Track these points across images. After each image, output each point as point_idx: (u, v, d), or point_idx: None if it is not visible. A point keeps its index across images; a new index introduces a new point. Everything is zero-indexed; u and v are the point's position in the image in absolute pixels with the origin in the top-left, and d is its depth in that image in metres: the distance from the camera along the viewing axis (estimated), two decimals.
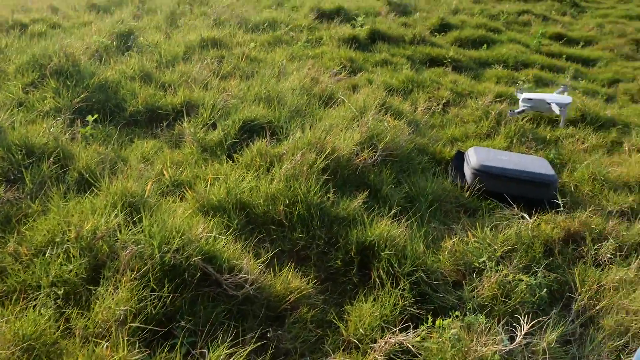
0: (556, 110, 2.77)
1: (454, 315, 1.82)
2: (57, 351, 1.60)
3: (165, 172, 2.62)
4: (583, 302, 2.10)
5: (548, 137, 3.72)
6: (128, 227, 1.99)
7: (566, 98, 2.84)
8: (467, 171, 2.98)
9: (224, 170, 2.66)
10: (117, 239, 1.92)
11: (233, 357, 1.60)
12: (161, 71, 4.14)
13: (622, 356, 1.89)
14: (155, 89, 3.71)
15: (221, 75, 4.21)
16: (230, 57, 4.69)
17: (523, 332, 1.72)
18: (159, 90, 3.70)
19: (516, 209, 2.68)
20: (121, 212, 2.07)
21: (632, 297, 2.08)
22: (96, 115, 3.11)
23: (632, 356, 1.87)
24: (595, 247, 2.40)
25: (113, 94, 3.56)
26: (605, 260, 2.35)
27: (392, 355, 1.71)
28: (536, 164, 2.95)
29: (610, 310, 2.05)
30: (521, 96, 2.92)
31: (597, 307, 2.07)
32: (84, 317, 1.71)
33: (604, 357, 1.87)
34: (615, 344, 1.92)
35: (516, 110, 3.00)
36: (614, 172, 3.19)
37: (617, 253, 2.38)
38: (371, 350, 1.73)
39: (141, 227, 1.97)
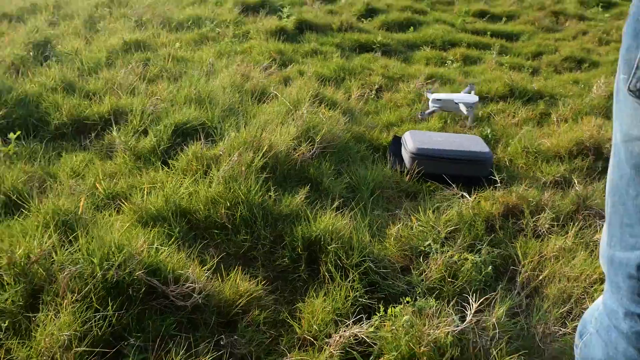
0: (464, 110, 2.84)
1: (405, 302, 1.83)
2: None
3: (98, 186, 2.52)
4: (527, 273, 2.16)
5: (480, 114, 3.81)
6: (64, 247, 1.91)
7: (473, 97, 2.92)
8: (405, 156, 3.01)
9: (160, 178, 2.59)
10: (54, 261, 1.84)
11: None
12: (84, 80, 3.99)
13: (567, 322, 1.96)
14: (80, 99, 3.57)
15: (148, 78, 4.09)
16: (156, 59, 4.57)
17: (473, 311, 1.75)
18: (83, 100, 3.56)
19: (456, 188, 2.74)
20: (55, 232, 1.98)
21: (572, 264, 2.16)
22: (18, 132, 2.96)
23: (578, 321, 1.94)
24: (533, 219, 2.47)
25: (34, 107, 3.40)
26: (544, 231, 2.42)
27: (347, 348, 1.70)
28: (471, 142, 3.01)
29: (552, 279, 2.12)
30: (430, 97, 2.98)
31: (540, 277, 2.13)
32: (26, 347, 1.63)
33: (550, 325, 1.93)
34: (560, 311, 1.99)
35: (426, 112, 3.06)
36: (545, 144, 3.30)
37: (555, 223, 2.46)
38: (327, 346, 1.72)
39: (78, 246, 1.89)
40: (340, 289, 1.94)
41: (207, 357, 1.65)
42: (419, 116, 3.12)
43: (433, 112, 2.98)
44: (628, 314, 1.08)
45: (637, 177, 1.02)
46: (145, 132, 3.10)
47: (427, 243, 2.22)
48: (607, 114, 3.94)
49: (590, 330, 1.23)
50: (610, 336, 1.14)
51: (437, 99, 2.91)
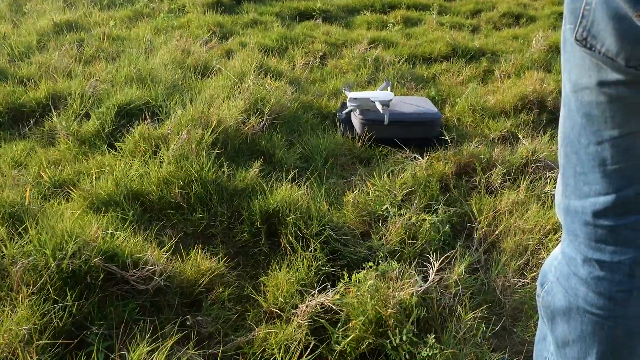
0: (380, 108, 2.86)
1: (368, 267, 1.85)
2: None
3: (42, 174, 2.43)
4: (483, 229, 2.21)
5: (425, 75, 3.84)
6: (13, 240, 1.83)
7: (388, 94, 2.94)
8: (356, 122, 3.01)
9: (108, 161, 2.51)
10: (4, 255, 1.76)
11: (156, 353, 1.53)
12: (15, 65, 3.81)
13: (525, 273, 2.02)
14: (14, 86, 3.41)
15: (84, 60, 3.94)
16: (91, 40, 4.41)
17: (434, 270, 1.78)
18: (17, 87, 3.40)
19: (408, 151, 2.76)
20: (2, 226, 1.90)
21: (526, 217, 2.22)
22: None
23: (535, 272, 2.01)
24: (485, 176, 2.53)
25: None
26: (496, 187, 2.48)
27: (315, 317, 1.71)
28: (419, 103, 3.04)
29: (508, 233, 2.17)
30: (348, 95, 2.99)
31: (496, 232, 2.19)
32: None
33: (509, 277, 1.99)
34: (517, 263, 2.04)
35: (344, 111, 3.05)
36: (490, 101, 3.36)
37: (506, 178, 2.52)
38: (294, 317, 1.72)
39: (28, 238, 1.82)
40: (303, 260, 1.94)
41: (174, 338, 1.62)
42: (338, 115, 3.11)
43: (351, 110, 2.99)
44: (586, 260, 1.11)
45: (588, 126, 1.04)
46: (87, 116, 2.99)
47: (384, 207, 2.24)
48: (548, 68, 4.04)
49: (550, 278, 1.26)
50: (570, 283, 1.17)
51: (354, 98, 2.92)
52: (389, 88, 3.14)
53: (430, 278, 1.76)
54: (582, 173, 1.08)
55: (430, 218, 2.14)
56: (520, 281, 1.99)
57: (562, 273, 1.20)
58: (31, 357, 1.45)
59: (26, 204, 2.07)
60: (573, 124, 1.08)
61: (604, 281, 1.09)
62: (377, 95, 2.93)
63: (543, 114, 3.29)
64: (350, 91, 3.12)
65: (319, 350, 1.62)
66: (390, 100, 2.90)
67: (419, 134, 2.91)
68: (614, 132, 1.01)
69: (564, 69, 1.08)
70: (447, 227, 2.14)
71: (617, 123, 1.00)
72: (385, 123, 2.84)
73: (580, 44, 0.98)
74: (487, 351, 1.69)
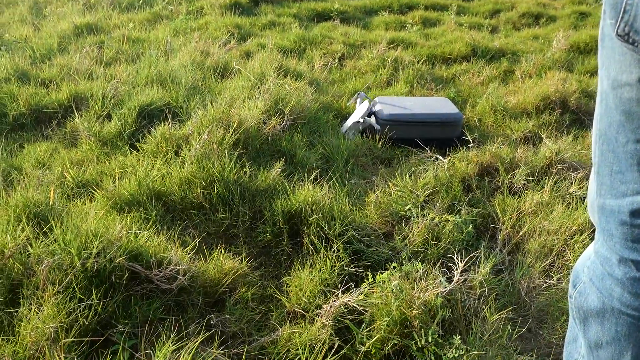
0: (374, 124, 2.87)
1: (392, 267, 1.84)
2: None
3: (66, 174, 2.45)
4: (507, 230, 2.19)
5: (445, 76, 3.82)
6: (39, 239, 1.84)
7: (364, 106, 2.95)
8: (376, 123, 3.00)
9: (130, 162, 2.52)
10: (30, 254, 1.78)
11: (181, 352, 1.53)
12: (38, 67, 3.85)
13: (551, 274, 2.00)
14: (36, 88, 3.44)
15: (105, 62, 3.97)
16: (111, 42, 4.44)
17: (459, 271, 1.76)
18: (40, 89, 3.44)
19: (429, 151, 2.74)
20: (28, 225, 1.91)
21: (551, 218, 2.19)
22: None
23: (561, 273, 1.98)
24: (509, 177, 2.50)
25: None
26: (520, 187, 2.45)
27: (339, 318, 1.70)
28: (440, 104, 3.02)
29: (532, 234, 2.15)
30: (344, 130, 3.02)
31: (521, 233, 2.16)
32: (11, 343, 1.58)
33: (535, 279, 1.96)
34: (542, 265, 2.02)
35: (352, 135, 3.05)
36: (512, 101, 3.33)
37: (530, 178, 2.50)
38: (318, 317, 1.71)
39: (54, 237, 1.83)
40: (326, 260, 1.93)
41: (198, 338, 1.62)
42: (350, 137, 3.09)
43: (371, 113, 2.99)
44: (622, 261, 1.09)
45: (627, 123, 1.02)
46: (108, 117, 3.01)
47: (407, 207, 2.22)
48: (569, 68, 4.00)
49: (583, 279, 1.23)
50: (604, 283, 1.14)
51: (345, 131, 2.95)
52: (360, 99, 3.13)
53: (455, 279, 1.74)
54: (619, 172, 1.06)
55: (453, 219, 2.13)
56: (545, 282, 1.97)
57: (595, 273, 1.18)
58: (58, 355, 1.45)
59: (51, 203, 2.09)
60: (611, 121, 1.05)
61: None
62: (359, 113, 2.95)
63: (566, 114, 3.25)
64: (362, 101, 3.11)
65: (343, 351, 1.61)
66: (371, 107, 2.92)
67: (440, 135, 2.90)
68: None
69: (602, 65, 1.06)
70: (471, 227, 2.12)
71: None
72: (377, 129, 2.84)
73: (622, 39, 0.96)
74: (513, 353, 1.67)
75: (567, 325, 1.70)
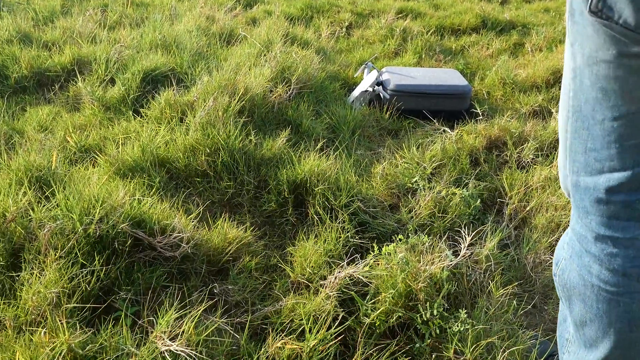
0: (383, 92, 2.81)
1: (398, 239, 1.81)
2: None
3: (69, 139, 2.41)
4: (514, 205, 2.16)
5: (454, 48, 3.76)
6: (41, 203, 1.82)
7: (372, 75, 2.89)
8: (384, 93, 2.95)
9: (134, 128, 2.49)
10: (32, 218, 1.75)
11: (184, 319, 1.52)
12: (40, 30, 3.79)
13: None
14: (39, 50, 3.39)
15: (108, 26, 3.91)
16: (114, 5, 4.37)
17: (466, 244, 1.74)
18: (42, 51, 3.39)
19: (437, 123, 2.70)
20: (29, 189, 1.89)
21: (559, 193, 2.16)
22: None
23: None
24: (517, 150, 2.46)
25: None
26: (528, 162, 2.42)
27: (343, 289, 1.68)
28: (449, 76, 2.96)
29: (540, 209, 2.12)
30: (348, 99, 2.96)
31: (528, 208, 2.14)
32: (12, 307, 1.57)
33: (540, 254, 1.94)
34: (549, 240, 2.00)
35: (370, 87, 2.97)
36: (521, 74, 3.28)
37: (539, 153, 2.46)
38: (322, 288, 1.69)
39: (56, 202, 1.81)
40: (331, 231, 1.91)
41: (201, 306, 1.61)
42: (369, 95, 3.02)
43: (379, 83, 2.92)
44: (598, 238, 1.09)
45: (604, 101, 0.99)
46: (112, 82, 2.97)
47: (414, 180, 2.19)
48: None
49: (564, 256, 1.22)
50: (583, 261, 1.14)
51: (352, 101, 2.89)
52: (366, 70, 3.07)
53: (462, 252, 1.72)
54: (593, 149, 1.04)
55: (460, 192, 2.10)
56: (551, 258, 1.94)
57: (574, 251, 1.17)
58: (60, 321, 1.44)
59: (53, 168, 2.06)
60: (586, 98, 1.03)
61: (618, 258, 1.07)
62: (368, 82, 2.89)
63: None
64: (370, 71, 3.05)
65: (348, 323, 1.60)
66: (379, 76, 2.87)
67: (449, 107, 2.85)
68: (632, 107, 0.97)
69: (574, 40, 1.03)
70: (478, 201, 2.09)
71: (636, 97, 0.96)
72: (387, 95, 2.80)
73: (595, 15, 0.92)
74: (518, 328, 1.66)
75: None
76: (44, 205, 1.81)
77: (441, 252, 1.76)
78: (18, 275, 1.64)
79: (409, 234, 1.90)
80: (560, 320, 1.39)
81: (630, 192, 1.03)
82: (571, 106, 1.08)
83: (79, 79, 2.95)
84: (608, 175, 1.04)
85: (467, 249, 1.80)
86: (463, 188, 2.16)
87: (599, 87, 0.99)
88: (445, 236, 1.92)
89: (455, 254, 1.80)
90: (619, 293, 1.09)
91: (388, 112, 2.85)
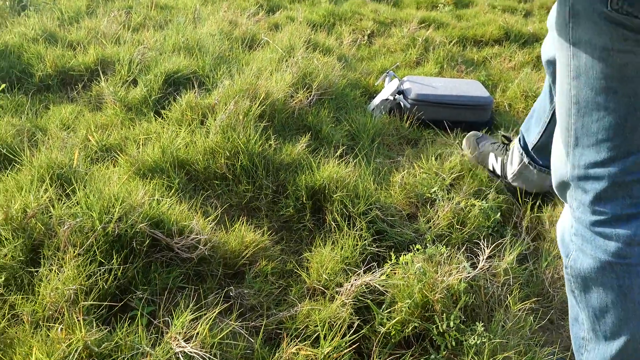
0: (403, 101, 2.80)
1: (416, 249, 1.80)
2: (6, 341, 1.47)
3: (90, 138, 2.44)
4: (532, 215, 2.14)
5: (476, 59, 3.74)
6: (61, 201, 1.84)
7: (394, 83, 2.88)
8: (404, 102, 2.94)
9: (155, 129, 2.51)
10: (52, 215, 1.77)
11: (199, 321, 1.52)
12: (65, 29, 3.83)
13: None
14: (63, 50, 3.43)
15: (132, 27, 3.94)
16: (139, 7, 4.41)
17: (485, 257, 1.72)
18: (67, 51, 3.42)
19: (456, 135, 2.69)
20: (51, 186, 1.90)
21: None
22: (3, 85, 2.84)
23: None
24: None
25: (16, 59, 3.26)
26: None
27: (359, 297, 1.67)
28: (470, 87, 2.95)
29: (555, 221, 2.10)
30: (369, 107, 2.96)
31: (546, 221, 2.11)
32: (30, 302, 1.58)
33: (560, 269, 1.92)
34: None
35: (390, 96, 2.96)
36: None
37: None
38: (338, 295, 1.69)
39: (76, 200, 1.82)
40: (348, 238, 1.90)
41: (217, 308, 1.61)
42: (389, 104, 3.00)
43: (399, 92, 2.91)
44: (613, 218, 1.17)
45: (615, 91, 1.09)
46: (134, 82, 2.99)
47: (432, 190, 2.18)
48: None
49: (573, 247, 1.27)
50: (596, 243, 1.20)
51: (372, 109, 2.88)
52: (387, 79, 3.06)
53: (480, 265, 1.70)
54: (605, 140, 1.13)
55: (480, 204, 2.08)
56: None
57: (585, 238, 1.23)
58: (77, 318, 1.44)
59: (74, 166, 2.08)
60: (596, 92, 1.11)
61: (631, 230, 1.16)
62: (389, 90, 2.88)
63: None
64: (391, 79, 3.04)
65: (363, 331, 1.59)
66: (400, 85, 2.86)
67: (469, 118, 2.84)
68: None
69: (577, 41, 1.10)
70: (498, 214, 2.08)
71: None
72: (408, 104, 2.79)
73: (617, 12, 1.00)
74: (534, 345, 1.64)
75: None
76: (65, 203, 1.83)
77: (459, 264, 1.74)
78: (37, 271, 1.66)
79: (427, 244, 1.89)
80: (572, 321, 1.39)
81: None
82: (574, 104, 1.16)
83: (102, 79, 2.98)
84: (622, 161, 1.13)
85: (485, 262, 1.79)
86: (482, 200, 2.14)
87: (611, 79, 1.08)
88: (464, 248, 1.91)
89: (473, 266, 1.79)
90: (638, 263, 1.17)
91: (408, 121, 2.84)
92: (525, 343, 1.60)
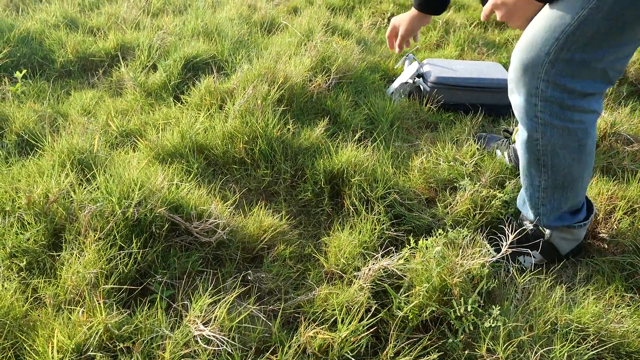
0: (423, 84, 2.76)
1: (437, 233, 1.79)
2: (29, 324, 1.50)
3: (111, 123, 2.46)
4: None
5: (497, 41, 3.68)
6: (82, 185, 1.86)
7: (413, 67, 2.82)
8: (424, 85, 2.91)
9: (174, 114, 2.52)
10: (73, 200, 1.79)
11: (217, 305, 1.53)
12: (86, 15, 3.86)
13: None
14: (84, 36, 3.46)
15: (152, 12, 3.95)
16: None
17: (509, 242, 1.70)
18: (88, 37, 3.45)
19: (476, 119, 2.65)
20: (72, 171, 1.93)
21: (599, 188, 2.10)
22: (25, 71, 2.87)
23: (600, 244, 1.93)
24: None
25: (38, 45, 3.29)
26: None
27: (377, 281, 1.67)
28: (492, 69, 2.91)
29: None
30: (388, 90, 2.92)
31: None
32: (52, 285, 1.61)
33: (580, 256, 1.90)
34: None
35: (410, 79, 2.91)
36: None
37: None
38: (356, 279, 1.69)
39: (96, 185, 1.84)
40: (366, 222, 1.89)
41: (235, 292, 1.62)
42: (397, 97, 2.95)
43: (419, 75, 2.86)
44: (582, 94, 1.50)
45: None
46: (154, 68, 3.01)
47: (452, 175, 2.16)
48: None
49: (538, 124, 1.57)
50: (565, 116, 1.53)
51: (394, 90, 2.84)
52: (407, 62, 3.02)
53: (503, 250, 1.68)
54: (607, 33, 1.38)
55: (500, 195, 2.04)
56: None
57: (553, 113, 1.53)
58: (97, 301, 1.47)
59: (95, 151, 2.10)
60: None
61: (593, 102, 1.54)
62: (409, 74, 2.84)
63: (623, 85, 3.10)
64: (411, 62, 3.00)
65: (380, 315, 1.59)
66: (419, 68, 2.83)
67: (490, 101, 2.80)
68: None
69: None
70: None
71: None
72: (428, 87, 2.76)
73: None
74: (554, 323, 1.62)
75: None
76: (85, 188, 1.85)
77: (481, 248, 1.73)
78: (59, 255, 1.68)
79: (448, 229, 1.87)
80: (527, 188, 1.78)
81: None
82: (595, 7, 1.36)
83: (122, 64, 3.00)
84: (598, 52, 1.41)
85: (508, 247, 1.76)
86: (503, 188, 2.11)
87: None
88: (484, 234, 1.89)
89: (497, 251, 1.77)
90: (591, 125, 1.58)
91: (427, 105, 2.81)
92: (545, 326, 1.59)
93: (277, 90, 2.49)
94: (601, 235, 1.98)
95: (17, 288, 1.58)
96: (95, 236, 1.67)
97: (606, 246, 1.96)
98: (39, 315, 1.51)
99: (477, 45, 3.62)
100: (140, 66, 3.00)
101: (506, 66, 3.27)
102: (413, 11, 2.22)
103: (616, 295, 1.76)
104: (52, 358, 1.34)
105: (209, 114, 2.43)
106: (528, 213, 1.83)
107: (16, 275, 1.64)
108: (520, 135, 1.67)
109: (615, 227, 1.98)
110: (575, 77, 1.46)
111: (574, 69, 1.45)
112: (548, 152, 1.61)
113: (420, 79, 2.82)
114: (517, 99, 1.61)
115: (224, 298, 1.54)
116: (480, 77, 2.81)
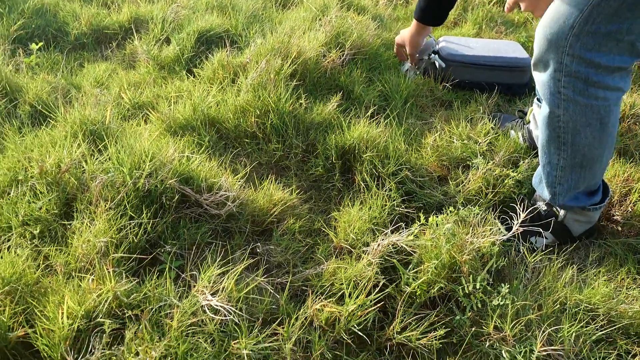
0: (438, 60, 2.71)
1: (449, 210, 1.78)
2: (40, 290, 1.51)
3: (123, 95, 2.46)
4: None
5: (516, 20, 3.62)
6: (94, 156, 1.87)
7: (428, 44, 2.77)
8: (439, 62, 2.87)
9: (186, 87, 2.51)
10: (84, 170, 1.80)
11: (225, 276, 1.53)
12: None
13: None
14: (98, 8, 3.45)
15: None
16: None
17: (520, 220, 1.68)
18: (102, 9, 3.44)
19: (492, 97, 2.62)
20: (84, 142, 1.93)
21: (615, 169, 2.07)
22: (40, 43, 2.88)
23: (614, 226, 1.91)
24: None
25: (52, 17, 3.29)
26: None
27: (386, 257, 1.67)
28: (509, 48, 2.86)
29: None
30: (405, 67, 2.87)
31: None
32: (63, 253, 1.62)
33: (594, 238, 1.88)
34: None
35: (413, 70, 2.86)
36: None
37: None
38: (364, 254, 1.68)
39: (108, 155, 1.85)
40: (377, 198, 1.88)
41: (243, 264, 1.62)
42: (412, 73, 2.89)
43: (434, 52, 2.81)
44: (607, 69, 1.47)
45: None
46: (167, 41, 2.99)
47: (465, 154, 2.14)
48: None
49: (561, 99, 1.55)
50: (588, 93, 1.50)
51: (409, 67, 2.80)
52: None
53: (514, 228, 1.66)
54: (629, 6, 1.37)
55: (513, 174, 2.02)
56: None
57: (576, 89, 1.51)
58: (107, 269, 1.48)
59: (107, 122, 2.10)
60: None
61: (616, 79, 1.50)
62: (424, 51, 2.80)
63: None
64: (427, 39, 2.95)
65: (388, 290, 1.59)
66: (435, 45, 2.78)
67: (507, 80, 2.75)
68: None
69: None
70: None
71: None
72: (442, 66, 2.72)
73: None
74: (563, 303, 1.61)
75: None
76: (97, 158, 1.85)
77: (492, 226, 1.71)
78: (70, 224, 1.69)
79: (459, 207, 1.86)
80: (544, 165, 1.76)
81: None
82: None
83: (136, 37, 2.99)
84: (624, 23, 1.38)
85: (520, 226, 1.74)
86: (517, 168, 2.09)
87: None
88: (495, 212, 1.88)
89: (508, 229, 1.75)
90: (615, 103, 1.56)
91: (442, 83, 2.78)
92: (554, 306, 1.58)
93: (290, 64, 2.47)
94: (615, 217, 1.96)
95: (29, 255, 1.59)
96: (106, 206, 1.68)
97: (620, 228, 1.94)
98: (50, 282, 1.52)
99: (496, 23, 3.56)
100: (154, 39, 2.99)
101: (524, 45, 3.22)
102: (413, 26, 2.37)
103: (628, 277, 1.74)
104: (62, 323, 1.35)
105: (222, 87, 2.42)
106: (543, 191, 1.81)
107: (28, 242, 1.66)
108: (541, 111, 1.65)
109: (630, 210, 1.96)
110: (600, 50, 1.43)
111: (599, 42, 1.42)
112: (569, 130, 1.59)
113: (436, 56, 2.78)
114: (540, 74, 1.59)
115: (232, 269, 1.54)
116: (497, 56, 2.76)
